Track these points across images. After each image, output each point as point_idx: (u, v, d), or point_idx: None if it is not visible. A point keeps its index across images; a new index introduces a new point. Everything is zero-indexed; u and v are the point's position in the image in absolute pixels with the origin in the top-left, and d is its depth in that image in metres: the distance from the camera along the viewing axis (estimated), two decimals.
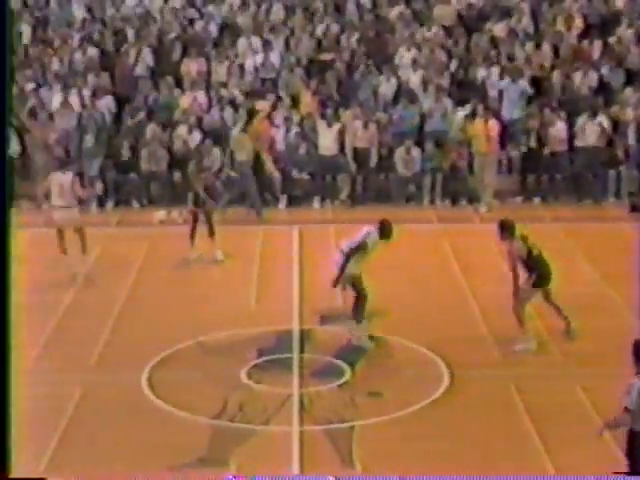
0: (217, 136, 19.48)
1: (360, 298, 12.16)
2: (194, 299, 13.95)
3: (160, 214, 17.80)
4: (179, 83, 21.09)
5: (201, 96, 20.58)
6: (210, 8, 23.17)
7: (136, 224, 17.99)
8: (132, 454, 9.74)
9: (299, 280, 14.83)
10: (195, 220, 15.75)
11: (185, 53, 21.85)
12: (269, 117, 19.62)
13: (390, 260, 13.42)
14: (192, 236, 15.69)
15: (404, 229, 17.56)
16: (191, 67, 21.35)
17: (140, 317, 13.48)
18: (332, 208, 19.25)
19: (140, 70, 21.40)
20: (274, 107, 19.91)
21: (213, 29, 22.64)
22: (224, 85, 20.89)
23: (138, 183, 19.32)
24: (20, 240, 16.76)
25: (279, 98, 20.28)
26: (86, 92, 20.48)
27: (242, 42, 22.01)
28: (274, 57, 21.61)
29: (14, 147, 19.29)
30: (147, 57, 21.65)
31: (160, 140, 19.41)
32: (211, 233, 15.72)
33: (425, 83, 20.67)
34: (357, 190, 19.44)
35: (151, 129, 19.57)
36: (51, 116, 19.86)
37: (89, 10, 23.31)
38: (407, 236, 16.95)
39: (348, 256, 11.93)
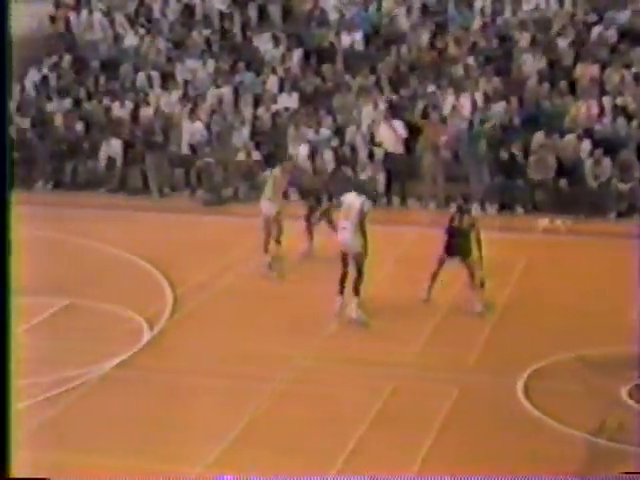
0: (608, 146, 18.98)
1: (362, 275, 13.23)
2: (572, 309, 13.71)
3: (543, 222, 17.68)
4: (572, 89, 20.79)
5: (592, 104, 20.16)
6: (610, 13, 22.56)
7: (519, 230, 17.96)
8: (501, 457, 9.76)
9: None
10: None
11: (578, 59, 21.49)
12: None
13: None
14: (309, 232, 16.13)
15: None
16: (585, 73, 20.97)
17: (519, 322, 13.45)
18: None
19: (530, 76, 21.30)
20: None
21: (612, 34, 22.04)
22: (620, 94, 20.30)
23: (524, 189, 19.25)
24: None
25: None
26: (478, 96, 20.75)
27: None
28: None
29: (400, 148, 19.95)
30: (539, 63, 21.51)
31: (549, 147, 19.23)
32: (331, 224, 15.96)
33: None
34: None
35: (540, 136, 19.44)
36: (444, 119, 20.32)
37: (483, 14, 23.53)
38: None
39: (363, 228, 13.15)
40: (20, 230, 17.01)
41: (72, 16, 25.64)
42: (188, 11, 25.11)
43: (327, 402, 11.10)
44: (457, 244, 13.73)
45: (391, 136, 20.16)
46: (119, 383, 11.61)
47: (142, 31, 24.69)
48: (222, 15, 24.70)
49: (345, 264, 13.41)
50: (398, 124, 20.17)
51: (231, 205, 20.01)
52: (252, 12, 24.69)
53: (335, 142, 20.54)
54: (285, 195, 16.26)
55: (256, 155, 20.59)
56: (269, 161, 20.73)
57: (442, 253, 13.85)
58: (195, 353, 12.45)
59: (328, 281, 15.20)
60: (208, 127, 21.27)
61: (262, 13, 24.76)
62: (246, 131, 21.11)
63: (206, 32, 24.20)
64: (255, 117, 21.62)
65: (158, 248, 16.54)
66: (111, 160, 21.06)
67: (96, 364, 11.93)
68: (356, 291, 13.31)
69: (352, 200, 13.50)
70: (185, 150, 21.21)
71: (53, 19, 25.90)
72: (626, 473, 8.52)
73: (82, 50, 24.75)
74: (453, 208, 14.37)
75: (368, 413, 10.70)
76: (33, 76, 23.82)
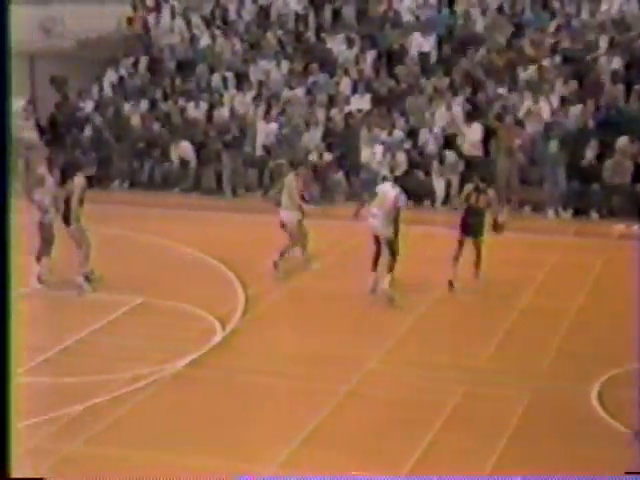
0: None
1: (395, 256, 14.09)
2: None
3: (619, 227, 17.43)
4: None
5: None
6: None
7: (594, 235, 17.72)
8: (572, 464, 9.62)
9: None
10: None
11: None
12: None
13: None
14: None
15: None
16: None
17: (594, 328, 13.26)
18: None
19: (608, 78, 20.99)
20: None
21: None
22: None
23: (600, 194, 18.97)
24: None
25: None
26: (554, 99, 20.50)
27: None
28: None
29: (478, 151, 19.76)
30: (617, 65, 21.20)
31: (627, 152, 18.92)
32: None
33: None
34: None
35: (623, 140, 19.09)
36: (519, 122, 20.10)
37: (554, 16, 23.24)
38: None
39: (395, 218, 14.03)
40: (96, 228, 17.33)
41: (150, 18, 25.95)
42: (263, 12, 25.25)
43: (397, 404, 11.05)
44: (472, 223, 14.34)
45: (469, 138, 20.02)
46: (191, 381, 11.69)
47: (217, 32, 24.89)
48: (297, 16, 24.78)
49: (378, 245, 14.26)
50: (476, 127, 20.01)
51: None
52: (327, 14, 24.74)
53: (408, 144, 20.48)
54: (302, 200, 15.94)
55: (328, 156, 20.60)
56: (341, 163, 20.77)
57: (460, 233, 14.45)
58: (266, 353, 12.49)
59: (396, 281, 15.18)
60: (281, 128, 21.36)
61: (336, 14, 24.79)
62: (318, 132, 21.14)
63: (280, 33, 24.31)
64: (328, 118, 21.65)
65: (230, 248, 16.64)
66: (184, 161, 21.27)
67: (168, 362, 12.04)
68: (390, 269, 14.11)
69: (387, 190, 14.25)
70: (259, 151, 21.32)
71: (130, 20, 26.25)
72: (627, 473, 8.42)
73: (159, 51, 25.03)
74: (469, 187, 14.61)
75: (438, 417, 10.63)
76: (111, 77, 24.15)
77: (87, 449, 9.98)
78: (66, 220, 14.77)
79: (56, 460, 9.72)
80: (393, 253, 14.15)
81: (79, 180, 14.90)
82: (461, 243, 14.48)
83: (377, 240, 14.27)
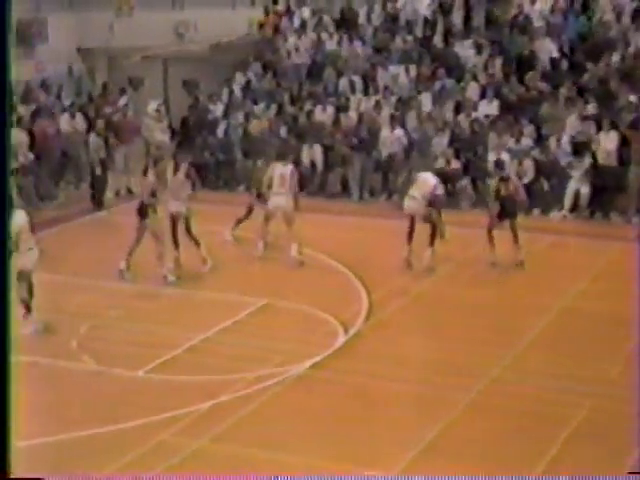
0: None
1: (436, 230, 15.74)
2: None
3: None
4: None
5: None
6: None
7: None
8: None
9: None
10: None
11: None
12: None
13: None
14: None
15: None
16: None
17: None
18: None
19: None
20: None
21: None
22: None
23: None
24: None
25: None
26: None
27: None
28: None
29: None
30: None
31: None
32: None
33: None
34: None
35: None
36: None
37: None
38: None
39: (432, 203, 15.59)
40: (220, 230, 17.54)
41: (281, 22, 26.22)
42: (391, 17, 25.25)
43: (521, 415, 10.91)
44: (506, 209, 15.80)
45: (604, 147, 19.59)
46: (313, 384, 11.78)
47: (345, 36, 24.98)
48: (425, 21, 24.70)
49: (412, 223, 15.75)
50: (613, 135, 19.54)
51: None
52: (456, 19, 24.57)
53: (536, 152, 20.17)
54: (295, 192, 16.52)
55: (455, 163, 20.44)
56: (467, 169, 20.57)
57: (495, 219, 15.93)
58: (388, 358, 12.49)
59: (523, 290, 15.00)
60: (408, 133, 21.31)
61: (465, 20, 24.59)
62: (445, 138, 21.01)
63: (409, 38, 24.26)
64: (455, 124, 21.49)
65: (355, 252, 16.69)
66: (312, 164, 21.41)
67: (291, 364, 12.16)
68: (431, 243, 15.78)
69: (427, 177, 15.96)
70: (384, 155, 21.32)
71: (262, 25, 26.58)
72: (631, 473, 8.19)
73: (288, 55, 25.26)
74: (495, 180, 16.34)
75: (563, 430, 10.46)
76: (240, 80, 24.50)
77: (212, 446, 10.16)
78: (140, 213, 15.15)
79: (183, 456, 9.93)
80: (434, 230, 15.70)
81: (150, 177, 15.57)
82: (491, 226, 15.91)
83: (412, 219, 15.78)
